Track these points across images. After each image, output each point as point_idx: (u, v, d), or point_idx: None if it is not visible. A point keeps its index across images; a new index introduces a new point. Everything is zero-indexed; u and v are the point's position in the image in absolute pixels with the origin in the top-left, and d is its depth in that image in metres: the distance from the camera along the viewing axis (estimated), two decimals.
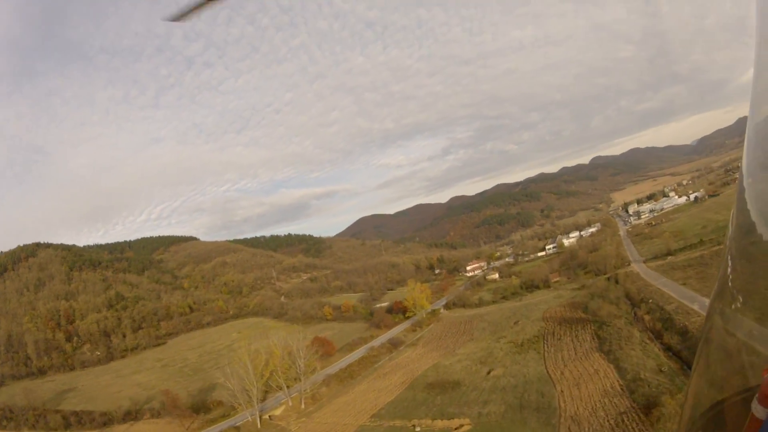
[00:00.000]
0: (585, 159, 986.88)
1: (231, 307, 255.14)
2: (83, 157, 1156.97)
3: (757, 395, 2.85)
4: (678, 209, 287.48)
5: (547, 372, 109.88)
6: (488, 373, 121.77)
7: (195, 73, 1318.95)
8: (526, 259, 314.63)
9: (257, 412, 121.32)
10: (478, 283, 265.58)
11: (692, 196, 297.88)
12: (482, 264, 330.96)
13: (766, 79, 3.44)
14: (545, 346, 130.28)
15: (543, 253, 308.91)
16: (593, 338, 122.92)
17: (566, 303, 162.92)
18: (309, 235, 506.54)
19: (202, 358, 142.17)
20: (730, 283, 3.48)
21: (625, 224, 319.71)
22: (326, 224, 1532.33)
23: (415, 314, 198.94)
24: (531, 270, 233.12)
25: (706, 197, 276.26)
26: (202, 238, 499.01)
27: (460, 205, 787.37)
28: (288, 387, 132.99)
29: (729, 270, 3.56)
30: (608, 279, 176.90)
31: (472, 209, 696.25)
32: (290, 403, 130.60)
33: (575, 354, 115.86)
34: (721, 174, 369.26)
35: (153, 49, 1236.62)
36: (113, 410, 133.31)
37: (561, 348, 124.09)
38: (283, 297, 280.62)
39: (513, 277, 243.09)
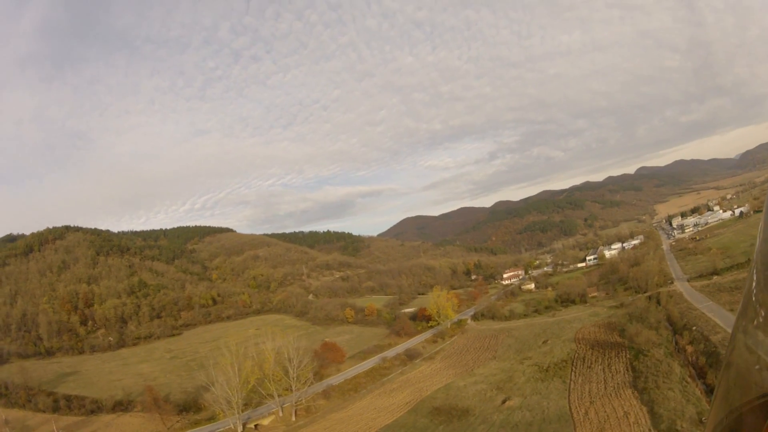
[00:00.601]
0: (630, 169, 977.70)
1: (255, 301, 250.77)
2: (126, 145, 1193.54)
3: None
4: (722, 224, 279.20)
5: (570, 409, 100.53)
6: (503, 402, 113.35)
7: (242, 66, 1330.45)
8: (565, 269, 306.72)
9: (239, 420, 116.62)
10: (512, 292, 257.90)
11: (737, 211, 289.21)
12: (519, 272, 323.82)
13: None
14: (573, 374, 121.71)
15: (583, 264, 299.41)
16: (627, 370, 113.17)
17: (602, 323, 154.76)
18: (348, 233, 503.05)
19: (213, 353, 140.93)
20: (753, 298, 3.52)
21: (669, 237, 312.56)
22: (370, 223, 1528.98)
23: (438, 323, 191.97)
24: (568, 282, 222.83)
25: (752, 212, 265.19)
26: (245, 231, 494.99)
27: (503, 210, 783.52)
28: (283, 395, 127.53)
29: (753, 284, 3.59)
30: (649, 298, 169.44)
31: (515, 215, 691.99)
32: (281, 414, 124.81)
33: (605, 388, 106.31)
34: (766, 189, 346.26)
35: (200, 40, 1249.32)
36: (105, 398, 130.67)
37: (590, 378, 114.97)
38: (311, 295, 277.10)
39: (549, 289, 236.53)
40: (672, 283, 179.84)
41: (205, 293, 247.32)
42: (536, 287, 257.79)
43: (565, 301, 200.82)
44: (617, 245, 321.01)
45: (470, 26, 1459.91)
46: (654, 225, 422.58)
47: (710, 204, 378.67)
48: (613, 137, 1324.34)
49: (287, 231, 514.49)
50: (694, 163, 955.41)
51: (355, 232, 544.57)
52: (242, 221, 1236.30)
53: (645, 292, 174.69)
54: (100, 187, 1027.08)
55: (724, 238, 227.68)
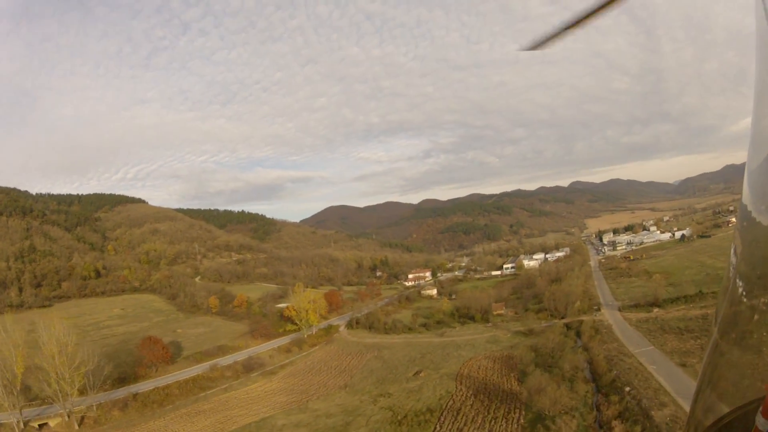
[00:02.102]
0: (564, 182, 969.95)
1: (136, 278, 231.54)
2: (68, 107, 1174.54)
3: (761, 409, 2.84)
4: (660, 245, 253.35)
5: None
6: None
7: (189, 39, 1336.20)
8: (478, 276, 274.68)
9: (19, 415, 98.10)
10: (408, 297, 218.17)
11: (678, 234, 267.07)
12: (426, 274, 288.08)
13: (763, 128, 3.64)
14: None
15: (498, 273, 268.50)
16: None
17: (499, 355, 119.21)
18: (261, 215, 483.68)
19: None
20: (734, 297, 3.54)
21: (598, 253, 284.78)
22: (297, 209, 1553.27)
23: (300, 329, 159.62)
24: (471, 294, 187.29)
25: (695, 237, 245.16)
26: (174, 205, 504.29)
27: (429, 209, 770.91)
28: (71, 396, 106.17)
29: (732, 281, 3.61)
30: (567, 328, 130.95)
31: (440, 214, 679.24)
32: (67, 418, 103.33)
33: None
34: (709, 215, 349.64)
35: (152, 8, 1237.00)
36: None
37: None
38: (198, 277, 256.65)
39: (446, 299, 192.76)
40: (599, 310, 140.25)
41: (89, 264, 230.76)
42: (439, 294, 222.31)
43: (464, 316, 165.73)
44: (540, 256, 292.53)
45: (421, 24, 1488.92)
46: (583, 239, 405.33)
47: (646, 224, 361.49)
48: (551, 150, 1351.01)
49: (218, 209, 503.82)
50: (631, 184, 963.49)
51: (280, 217, 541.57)
52: (173, 195, 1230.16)
53: (563, 318, 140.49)
54: (37, 149, 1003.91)
55: (664, 262, 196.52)
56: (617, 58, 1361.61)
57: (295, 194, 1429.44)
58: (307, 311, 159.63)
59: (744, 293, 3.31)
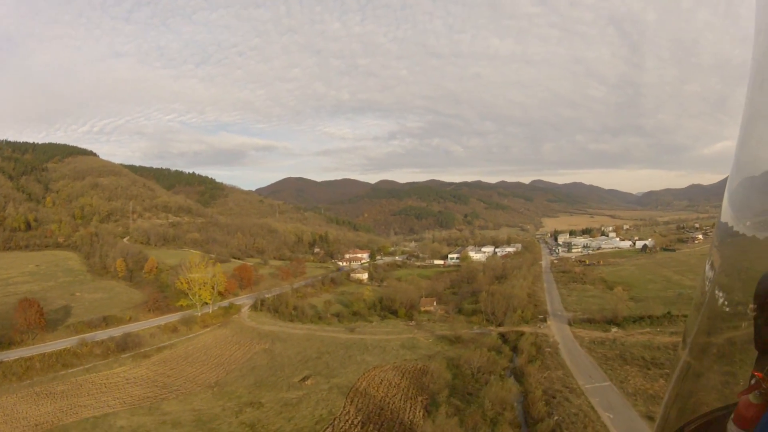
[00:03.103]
0: (526, 179, 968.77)
1: (62, 234, 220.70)
2: (47, 55, 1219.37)
3: (732, 416, 2.82)
4: (620, 253, 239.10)
5: None
6: None
7: None
8: (419, 263, 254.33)
9: None
10: (333, 280, 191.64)
11: (639, 243, 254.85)
12: (363, 255, 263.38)
13: (748, 150, 3.62)
14: None
15: (442, 263, 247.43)
16: None
17: (411, 368, 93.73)
18: (211, 178, 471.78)
19: None
20: (713, 310, 3.52)
21: (551, 253, 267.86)
22: (258, 178, 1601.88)
23: (193, 304, 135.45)
24: (400, 285, 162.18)
25: (658, 249, 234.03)
26: (137, 163, 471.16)
27: (386, 189, 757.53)
28: None
29: (709, 295, 3.59)
30: (503, 339, 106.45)
31: (395, 196, 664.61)
32: None
33: None
34: (673, 229, 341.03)
35: None
36: None
37: None
38: (127, 237, 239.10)
39: (368, 288, 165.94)
40: (545, 320, 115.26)
41: (21, 216, 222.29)
42: (369, 279, 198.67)
43: (387, 309, 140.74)
44: (489, 249, 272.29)
45: (406, 7, 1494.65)
46: (537, 236, 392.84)
47: (605, 229, 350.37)
48: (518, 147, 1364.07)
49: (161, 167, 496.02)
50: (593, 189, 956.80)
51: (240, 185, 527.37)
52: (136, 152, 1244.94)
53: (500, 325, 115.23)
54: (11, 95, 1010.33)
55: (624, 271, 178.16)
56: (598, 67, 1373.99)
57: (258, 162, 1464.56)
58: (202, 286, 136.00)
59: (726, 304, 3.27)
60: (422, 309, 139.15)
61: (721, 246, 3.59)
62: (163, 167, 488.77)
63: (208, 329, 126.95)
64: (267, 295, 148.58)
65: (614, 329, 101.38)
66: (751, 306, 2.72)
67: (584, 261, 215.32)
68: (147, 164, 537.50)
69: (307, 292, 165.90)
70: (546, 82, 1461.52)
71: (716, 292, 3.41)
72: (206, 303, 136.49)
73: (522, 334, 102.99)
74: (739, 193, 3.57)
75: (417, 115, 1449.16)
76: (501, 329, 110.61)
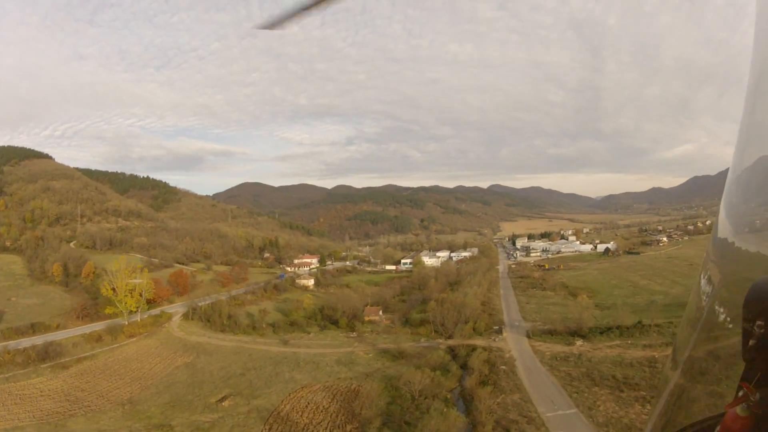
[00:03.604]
0: (484, 184, 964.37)
1: (10, 237, 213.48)
2: (11, 58, 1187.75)
3: (719, 427, 2.83)
4: (581, 257, 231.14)
5: None
6: None
7: None
8: (369, 268, 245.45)
9: None
10: (277, 287, 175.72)
11: (601, 247, 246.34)
12: (312, 261, 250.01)
13: (744, 160, 3.70)
14: None
15: (394, 268, 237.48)
16: None
17: (344, 389, 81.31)
18: (165, 182, 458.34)
19: None
20: (713, 325, 3.52)
21: (509, 257, 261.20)
22: (216, 183, 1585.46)
23: (120, 312, 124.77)
24: (345, 293, 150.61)
25: (621, 252, 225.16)
26: (99, 167, 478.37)
27: (342, 195, 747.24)
28: None
29: (707, 310, 3.63)
30: (453, 354, 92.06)
31: (351, 201, 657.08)
32: None
33: None
34: (635, 232, 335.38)
35: None
36: None
37: None
38: (74, 242, 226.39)
39: (307, 296, 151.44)
40: (500, 332, 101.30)
41: None
42: (316, 285, 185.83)
43: (329, 318, 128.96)
44: (444, 254, 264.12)
45: (365, 12, 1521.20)
46: (495, 241, 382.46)
47: (565, 233, 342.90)
48: (475, 151, 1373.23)
49: (116, 171, 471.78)
50: (551, 193, 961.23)
51: (197, 190, 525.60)
52: (96, 157, 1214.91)
53: (449, 338, 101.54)
54: None
55: (587, 276, 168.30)
56: (557, 71, 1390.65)
57: (216, 168, 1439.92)
58: (123, 290, 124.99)
59: (728, 321, 3.18)
60: (366, 318, 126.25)
61: (720, 259, 3.53)
62: (119, 171, 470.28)
63: (134, 339, 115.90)
64: (201, 303, 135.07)
65: (579, 342, 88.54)
66: (743, 317, 2.67)
67: (543, 265, 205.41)
68: (109, 169, 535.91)
69: (247, 300, 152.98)
70: (504, 87, 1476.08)
71: (717, 308, 3.33)
72: (132, 311, 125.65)
73: (474, 348, 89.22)
74: (737, 206, 3.61)
75: (375, 120, 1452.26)
76: (451, 342, 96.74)
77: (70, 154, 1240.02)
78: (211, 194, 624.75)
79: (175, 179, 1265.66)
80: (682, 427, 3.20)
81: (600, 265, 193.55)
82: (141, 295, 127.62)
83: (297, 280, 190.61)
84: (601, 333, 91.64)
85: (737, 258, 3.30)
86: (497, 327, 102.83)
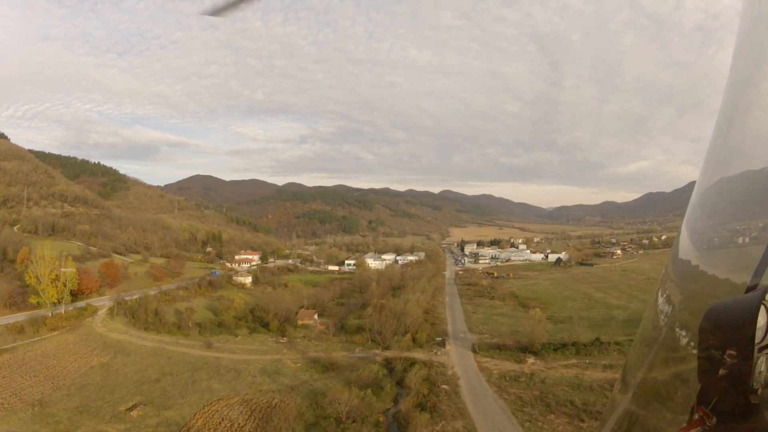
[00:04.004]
0: (435, 189, 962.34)
1: None
2: None
3: None
4: (531, 266, 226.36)
5: None
6: None
7: None
8: (311, 268, 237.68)
9: None
10: (212, 283, 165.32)
11: (553, 257, 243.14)
12: (254, 257, 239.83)
13: (708, 180, 3.79)
14: None
15: (337, 269, 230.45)
16: None
17: (264, 404, 72.20)
18: (114, 169, 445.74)
19: None
20: (672, 346, 3.55)
21: (457, 263, 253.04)
22: (169, 174, 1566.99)
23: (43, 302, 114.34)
24: (279, 294, 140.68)
25: (574, 263, 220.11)
26: (55, 151, 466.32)
27: (292, 192, 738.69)
28: None
29: (666, 331, 3.65)
30: (389, 368, 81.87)
31: (301, 199, 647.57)
32: None
33: None
34: (587, 243, 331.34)
35: None
36: None
37: None
38: (17, 227, 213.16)
39: (239, 295, 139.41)
40: (443, 345, 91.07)
41: None
42: (254, 283, 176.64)
43: (260, 319, 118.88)
44: (390, 256, 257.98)
45: (329, 11, 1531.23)
46: (443, 246, 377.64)
47: (515, 241, 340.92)
48: (428, 157, 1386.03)
49: (69, 155, 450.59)
50: (502, 202, 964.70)
51: (149, 180, 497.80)
52: (53, 141, 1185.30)
53: (386, 348, 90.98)
54: None
55: (538, 286, 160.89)
56: (515, 82, 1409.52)
57: (169, 159, 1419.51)
58: (46, 280, 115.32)
59: (689, 342, 3.17)
60: (299, 322, 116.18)
61: (682, 281, 3.52)
62: (71, 156, 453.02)
63: (56, 333, 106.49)
64: (129, 298, 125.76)
65: (531, 359, 79.23)
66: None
67: (492, 273, 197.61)
68: (64, 153, 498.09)
69: (178, 296, 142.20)
70: (461, 94, 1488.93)
71: (676, 328, 3.32)
72: (55, 303, 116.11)
73: (413, 362, 78.70)
74: (701, 229, 3.63)
75: (329, 120, 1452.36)
76: (388, 353, 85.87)
77: (29, 137, 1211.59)
78: (162, 185, 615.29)
79: (129, 168, 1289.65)
80: None
81: (552, 275, 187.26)
82: (65, 285, 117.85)
83: (234, 277, 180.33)
84: (555, 350, 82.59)
85: (700, 280, 3.27)
86: (440, 338, 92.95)
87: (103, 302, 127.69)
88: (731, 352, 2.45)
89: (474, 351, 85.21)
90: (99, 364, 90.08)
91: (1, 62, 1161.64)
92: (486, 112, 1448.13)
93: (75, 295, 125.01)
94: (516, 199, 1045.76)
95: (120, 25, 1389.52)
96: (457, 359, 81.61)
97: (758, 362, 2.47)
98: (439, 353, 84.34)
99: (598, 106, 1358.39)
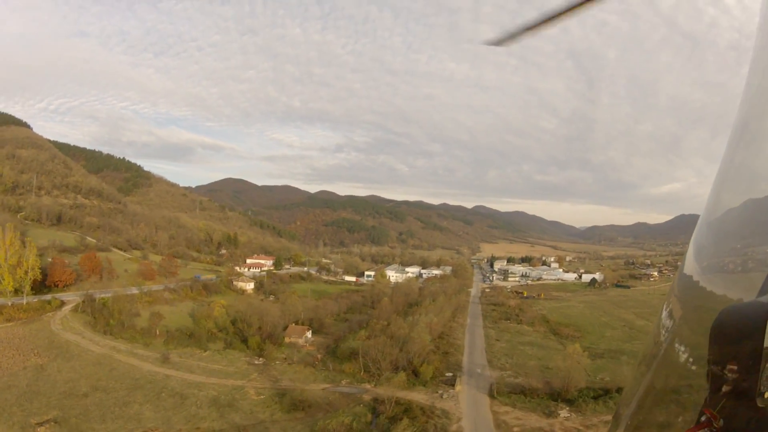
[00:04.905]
0: (469, 204, 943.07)
1: None
2: (17, 25, 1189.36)
3: None
4: (563, 286, 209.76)
5: None
6: None
7: None
8: (326, 277, 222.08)
9: None
10: (207, 286, 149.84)
11: (586, 276, 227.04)
12: (266, 262, 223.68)
13: (718, 198, 3.95)
14: None
15: (354, 280, 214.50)
16: None
17: None
18: (139, 165, 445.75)
19: None
20: (672, 362, 3.61)
21: (484, 280, 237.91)
22: (202, 176, 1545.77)
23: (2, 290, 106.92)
24: (264, 306, 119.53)
25: (609, 285, 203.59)
26: (89, 147, 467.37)
27: (323, 200, 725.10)
28: None
29: (667, 345, 3.74)
30: (374, 412, 62.27)
31: (330, 207, 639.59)
32: None
33: None
34: (621, 264, 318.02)
35: None
36: None
37: None
38: (21, 214, 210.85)
39: (218, 304, 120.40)
40: (453, 384, 71.36)
41: None
42: (257, 290, 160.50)
43: (241, 333, 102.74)
44: (414, 269, 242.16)
45: (367, 21, 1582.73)
46: (472, 261, 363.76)
47: (547, 259, 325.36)
48: (463, 171, 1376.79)
49: (94, 149, 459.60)
50: (535, 219, 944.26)
51: (180, 180, 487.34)
52: (86, 136, 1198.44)
53: (376, 384, 71.86)
54: None
55: (572, 310, 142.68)
56: (551, 99, 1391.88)
57: (204, 161, 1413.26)
58: (8, 269, 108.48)
59: (688, 355, 3.25)
60: (287, 340, 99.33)
61: (683, 296, 3.63)
62: (96, 150, 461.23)
63: (11, 324, 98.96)
64: (103, 295, 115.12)
65: (564, 411, 60.38)
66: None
67: (521, 292, 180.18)
68: (98, 149, 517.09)
69: (162, 298, 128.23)
70: (497, 109, 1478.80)
71: (676, 342, 3.41)
72: (11, 290, 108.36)
73: (407, 408, 60.34)
74: (706, 246, 3.72)
75: (365, 129, 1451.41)
76: (381, 391, 67.43)
77: (62, 130, 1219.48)
78: (194, 186, 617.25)
79: (162, 168, 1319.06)
80: None
81: (586, 297, 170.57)
82: (26, 274, 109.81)
83: (235, 282, 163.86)
84: (595, 398, 63.64)
85: (700, 295, 3.32)
86: (451, 374, 74.39)
87: (74, 297, 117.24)
88: (739, 356, 2.46)
89: (491, 395, 66.00)
90: (34, 365, 79.99)
91: (35, 54, 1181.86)
92: (521, 128, 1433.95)
93: (48, 287, 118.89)
94: (549, 217, 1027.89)
95: (158, 25, 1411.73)
96: (467, 406, 62.72)
97: (766, 366, 2.43)
98: (445, 396, 65.54)
99: (632, 125, 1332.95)
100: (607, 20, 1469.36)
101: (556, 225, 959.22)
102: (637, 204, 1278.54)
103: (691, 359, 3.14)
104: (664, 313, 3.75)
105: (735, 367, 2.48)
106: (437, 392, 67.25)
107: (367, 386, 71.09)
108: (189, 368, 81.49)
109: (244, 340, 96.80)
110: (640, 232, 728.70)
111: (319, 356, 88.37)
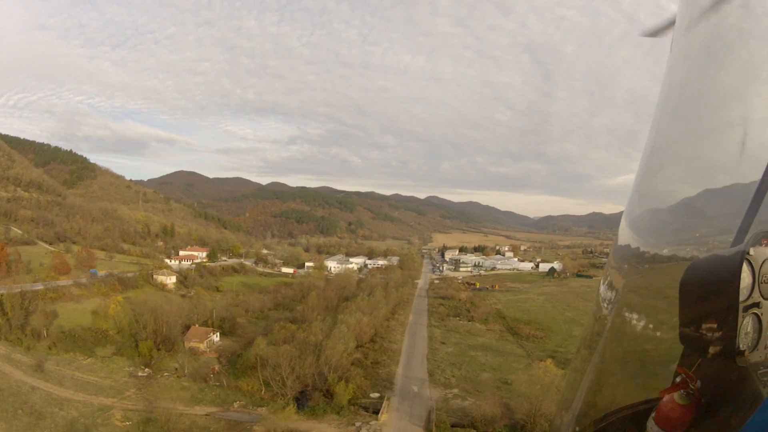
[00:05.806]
0: (421, 195, 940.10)
1: None
2: None
3: (653, 414, 2.79)
4: (520, 276, 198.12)
5: None
6: None
7: None
8: (261, 269, 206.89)
9: None
10: (123, 281, 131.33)
11: (544, 266, 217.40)
12: (199, 254, 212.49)
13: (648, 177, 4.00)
14: None
15: (289, 271, 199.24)
16: None
17: None
18: (84, 157, 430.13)
19: None
20: (598, 324, 3.70)
21: (434, 271, 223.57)
22: (156, 170, 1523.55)
23: None
24: (160, 304, 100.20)
25: (569, 275, 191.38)
26: (45, 141, 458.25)
27: (273, 191, 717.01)
28: None
29: (605, 306, 3.76)
30: None
31: (280, 198, 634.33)
32: None
33: None
34: (579, 253, 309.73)
35: None
36: None
37: None
38: None
39: (113, 302, 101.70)
40: (378, 410, 52.78)
41: None
42: (179, 284, 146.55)
43: (137, 336, 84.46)
44: (359, 260, 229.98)
45: (323, 13, 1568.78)
46: (423, 251, 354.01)
47: (501, 248, 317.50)
48: (416, 162, 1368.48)
49: (43, 142, 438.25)
50: (488, 210, 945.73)
51: (133, 175, 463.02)
52: (44, 131, 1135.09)
53: (287, 404, 52.72)
54: None
55: (531, 303, 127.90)
56: (507, 92, 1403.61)
57: (158, 154, 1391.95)
58: None
59: (644, 323, 3.19)
60: (187, 344, 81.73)
61: (622, 265, 3.68)
62: (45, 143, 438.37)
63: None
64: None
65: None
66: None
67: (474, 283, 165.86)
68: (54, 144, 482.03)
69: (69, 294, 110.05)
70: (452, 102, 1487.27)
71: (624, 311, 3.41)
72: None
73: None
74: (638, 216, 3.83)
75: (319, 122, 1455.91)
76: (281, 423, 48.94)
77: (20, 126, 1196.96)
78: (146, 179, 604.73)
79: (116, 162, 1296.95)
80: (611, 411, 3.18)
81: (545, 288, 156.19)
82: None
83: (155, 276, 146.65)
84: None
85: (641, 259, 3.36)
86: (377, 395, 56.59)
87: None
88: (714, 311, 2.41)
89: (428, 429, 48.35)
90: None
91: None
92: (476, 121, 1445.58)
93: None
94: (503, 208, 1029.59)
95: (116, 17, 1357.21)
96: None
97: (744, 322, 2.40)
98: (363, 430, 47.65)
99: (588, 119, 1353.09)
100: (567, 15, 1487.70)
101: (510, 215, 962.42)
102: (592, 195, 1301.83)
103: (644, 323, 3.10)
104: (603, 288, 3.71)
105: (710, 325, 2.40)
106: (354, 424, 49.13)
107: (263, 411, 52.76)
108: (59, 380, 66.73)
109: (136, 345, 78.22)
110: (594, 221, 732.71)
111: (216, 367, 69.73)
